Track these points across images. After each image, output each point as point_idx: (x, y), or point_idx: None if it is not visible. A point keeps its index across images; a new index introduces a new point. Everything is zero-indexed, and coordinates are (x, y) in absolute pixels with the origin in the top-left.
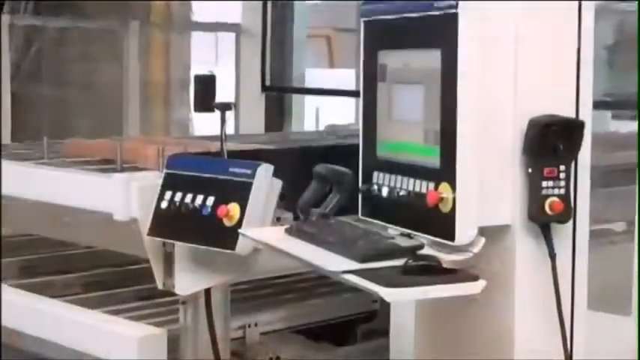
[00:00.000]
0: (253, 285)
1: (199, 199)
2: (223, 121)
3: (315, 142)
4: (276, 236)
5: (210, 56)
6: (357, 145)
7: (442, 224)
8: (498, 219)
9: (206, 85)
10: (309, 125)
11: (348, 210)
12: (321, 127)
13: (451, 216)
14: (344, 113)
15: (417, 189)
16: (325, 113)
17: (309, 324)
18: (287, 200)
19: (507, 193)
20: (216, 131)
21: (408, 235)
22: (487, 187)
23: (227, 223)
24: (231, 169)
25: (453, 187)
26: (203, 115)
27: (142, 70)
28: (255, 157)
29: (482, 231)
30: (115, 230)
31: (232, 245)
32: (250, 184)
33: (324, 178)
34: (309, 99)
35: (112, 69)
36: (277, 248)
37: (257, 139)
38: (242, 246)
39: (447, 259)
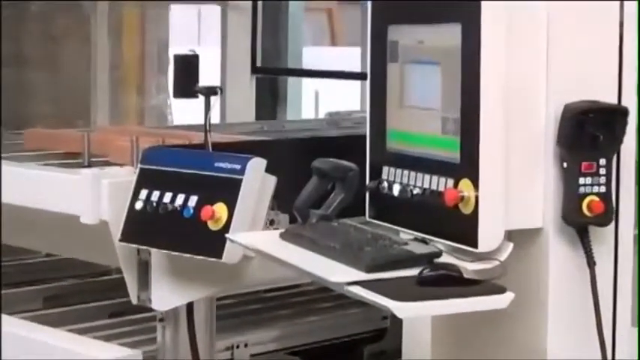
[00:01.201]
0: (243, 299)
1: (180, 198)
2: (208, 108)
3: (314, 132)
4: (270, 242)
5: (193, 34)
6: (364, 136)
7: (463, 228)
8: (528, 221)
9: (187, 66)
10: (307, 113)
11: (353, 211)
12: (322, 115)
13: (473, 218)
14: (348, 99)
15: (434, 186)
16: (326, 99)
17: (307, 344)
18: (282, 200)
19: (539, 192)
20: (200, 120)
21: (424, 241)
22: (515, 185)
23: (212, 226)
24: (216, 164)
25: (476, 185)
26: (184, 101)
27: (112, 50)
28: (244, 149)
29: (510, 235)
30: (81, 235)
31: (219, 252)
32: (239, 182)
33: (325, 175)
34: (307, 82)
35: (78, 49)
36: (271, 256)
37: (247, 129)
38: (230, 253)
39: (468, 268)
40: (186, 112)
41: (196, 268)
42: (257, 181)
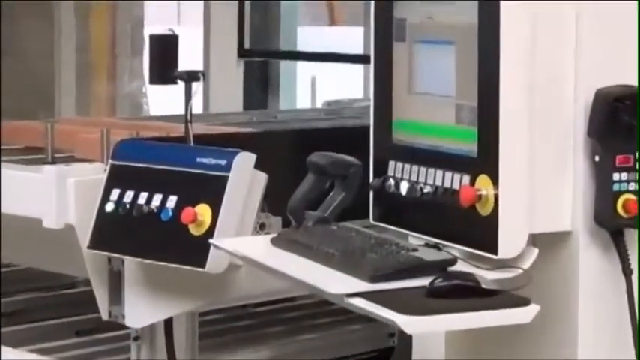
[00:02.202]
0: (230, 314)
1: (157, 199)
2: (189, 95)
3: (310, 123)
4: (260, 248)
5: (171, 11)
6: (367, 127)
7: (481, 231)
8: (555, 224)
9: (165, 48)
10: (302, 101)
11: (354, 213)
12: (319, 104)
13: (492, 220)
14: (349, 85)
15: (447, 184)
16: (324, 85)
17: None
18: (274, 201)
19: (567, 190)
20: (179, 109)
21: (436, 246)
22: (540, 182)
23: (194, 231)
24: (199, 160)
25: (495, 182)
26: (161, 88)
27: (78, 30)
28: (231, 143)
29: (535, 240)
30: (44, 242)
31: (201, 261)
32: (225, 180)
33: (322, 171)
34: (302, 66)
35: (39, 28)
36: (261, 264)
37: (233, 120)
38: (214, 262)
39: (487, 277)
40: (164, 100)
41: (176, 278)
42: (245, 179)
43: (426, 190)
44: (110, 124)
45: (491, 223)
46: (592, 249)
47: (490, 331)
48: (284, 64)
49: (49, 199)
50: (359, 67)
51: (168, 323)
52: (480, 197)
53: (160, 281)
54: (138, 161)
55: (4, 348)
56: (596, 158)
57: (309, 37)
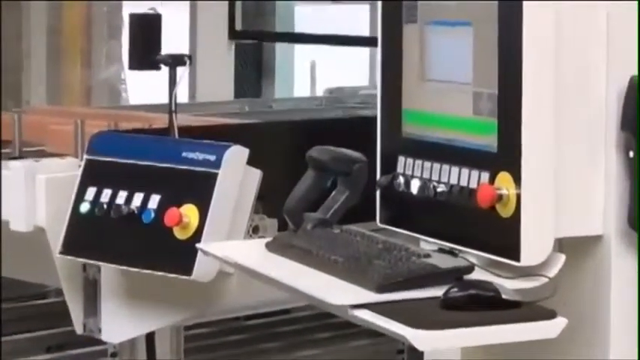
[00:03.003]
0: (220, 327)
1: (137, 198)
2: (173, 82)
3: (310, 113)
4: (253, 254)
5: None
6: (374, 118)
7: (501, 235)
8: (585, 227)
9: (147, 29)
10: (300, 89)
11: (360, 215)
12: (319, 92)
13: (514, 223)
14: (353, 71)
15: (464, 182)
16: (325, 71)
17: None
18: (269, 201)
19: (598, 189)
20: (163, 98)
21: (451, 252)
22: (567, 180)
23: (179, 234)
24: (185, 154)
25: (517, 180)
26: (143, 74)
27: (50, 11)
28: (221, 135)
29: (561, 245)
30: (11, 247)
31: (187, 268)
32: (214, 177)
33: (323, 168)
34: (300, 50)
35: (5, 9)
36: (254, 271)
37: (224, 110)
38: (202, 269)
39: (508, 286)
40: (145, 88)
41: (159, 288)
42: (237, 175)
43: (439, 189)
44: (85, 115)
45: (512, 226)
46: (625, 255)
47: (511, 348)
48: (280, 48)
49: (16, 198)
50: (364, 51)
51: (150, 338)
52: (500, 197)
53: (141, 291)
54: (116, 156)
55: None
56: (631, 154)
57: (309, 16)
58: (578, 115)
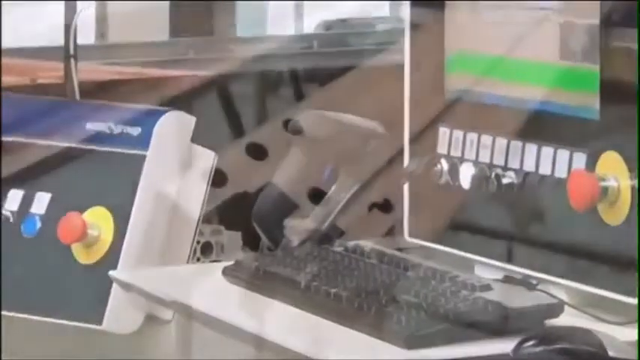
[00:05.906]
0: None
1: (14, 199)
2: (71, 14)
3: (294, 60)
4: (204, 287)
5: None
6: (396, 68)
7: (606, 253)
8: None
9: None
10: (278, 23)
11: (374, 223)
12: (310, 27)
13: (628, 232)
14: None
15: (545, 169)
16: None
17: None
18: (230, 202)
19: None
20: (57, 38)
21: (525, 282)
22: None
23: (82, 256)
24: (90, 127)
25: (631, 165)
26: (20, 2)
27: None
28: (149, 95)
29: None
30: None
31: (95, 312)
32: (139, 161)
33: (316, 145)
34: None
35: None
36: (206, 315)
37: (152, 55)
38: (119, 314)
39: (619, 337)
40: (23, 23)
41: (53, 342)
42: (174, 159)
43: (505, 181)
44: None
45: (624, 238)
46: None
47: None
48: None
49: None
50: None
51: None
52: (605, 191)
53: (26, 346)
54: None
55: None
56: None
57: None
58: None
